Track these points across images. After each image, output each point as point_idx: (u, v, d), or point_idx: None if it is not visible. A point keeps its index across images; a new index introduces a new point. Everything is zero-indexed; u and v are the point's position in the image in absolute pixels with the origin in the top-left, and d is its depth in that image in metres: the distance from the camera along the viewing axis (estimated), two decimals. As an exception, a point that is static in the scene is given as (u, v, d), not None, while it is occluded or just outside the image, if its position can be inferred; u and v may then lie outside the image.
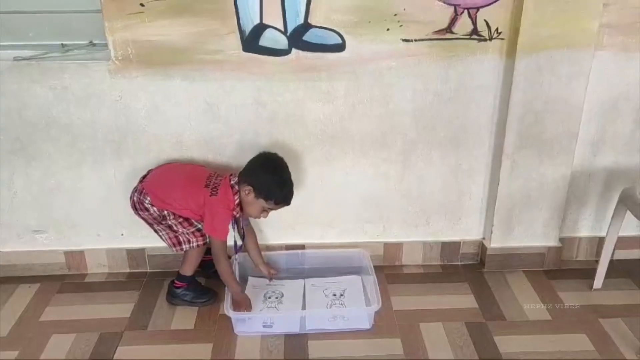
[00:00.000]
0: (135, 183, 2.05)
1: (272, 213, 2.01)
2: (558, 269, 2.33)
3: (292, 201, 2.00)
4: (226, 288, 2.03)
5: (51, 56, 2.00)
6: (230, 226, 2.01)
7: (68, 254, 2.28)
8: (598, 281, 2.19)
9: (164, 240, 2.03)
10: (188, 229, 1.99)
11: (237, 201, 1.98)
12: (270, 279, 2.20)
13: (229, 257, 2.14)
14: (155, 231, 2.03)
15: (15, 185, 2.15)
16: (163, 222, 2.00)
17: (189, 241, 2.00)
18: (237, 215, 2.02)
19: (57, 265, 2.29)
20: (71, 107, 2.03)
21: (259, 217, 2.03)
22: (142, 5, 1.87)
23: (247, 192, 1.96)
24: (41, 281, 2.26)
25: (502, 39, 2.00)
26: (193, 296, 2.11)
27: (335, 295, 2.15)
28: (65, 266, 2.30)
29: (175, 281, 2.11)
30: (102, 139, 2.09)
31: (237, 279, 2.11)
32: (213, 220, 1.95)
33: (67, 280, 2.27)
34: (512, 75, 2.00)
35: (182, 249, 2.01)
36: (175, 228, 1.99)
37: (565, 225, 2.34)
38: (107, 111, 2.04)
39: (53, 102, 2.02)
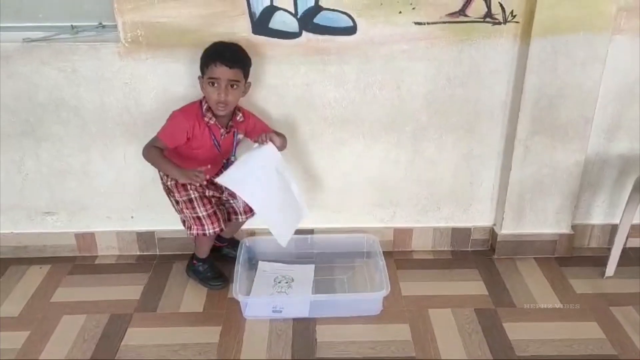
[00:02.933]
0: (144, 165, 2.05)
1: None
2: (570, 256, 2.31)
3: (300, 184, 1.98)
4: (234, 273, 2.03)
5: (61, 38, 1.99)
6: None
7: (79, 235, 2.30)
8: (610, 269, 2.17)
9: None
10: (191, 213, 1.98)
11: (205, 105, 1.91)
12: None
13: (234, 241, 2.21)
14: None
15: (26, 167, 2.16)
16: (171, 197, 2.03)
17: (190, 227, 2.00)
18: (210, 122, 1.92)
19: (68, 246, 2.31)
20: (81, 89, 2.03)
21: (218, 100, 1.85)
22: (151, -14, 1.86)
23: (199, 80, 1.91)
24: (52, 262, 2.28)
25: (516, 22, 1.96)
26: (206, 276, 2.13)
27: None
28: (75, 248, 2.32)
29: (193, 260, 2.15)
30: (111, 121, 2.09)
31: (245, 262, 2.15)
32: (165, 124, 1.91)
33: (77, 261, 2.30)
34: (527, 59, 1.96)
35: (191, 233, 2.02)
36: (180, 206, 2.01)
37: (578, 212, 2.32)
38: (117, 93, 2.03)
39: (63, 84, 2.02)
